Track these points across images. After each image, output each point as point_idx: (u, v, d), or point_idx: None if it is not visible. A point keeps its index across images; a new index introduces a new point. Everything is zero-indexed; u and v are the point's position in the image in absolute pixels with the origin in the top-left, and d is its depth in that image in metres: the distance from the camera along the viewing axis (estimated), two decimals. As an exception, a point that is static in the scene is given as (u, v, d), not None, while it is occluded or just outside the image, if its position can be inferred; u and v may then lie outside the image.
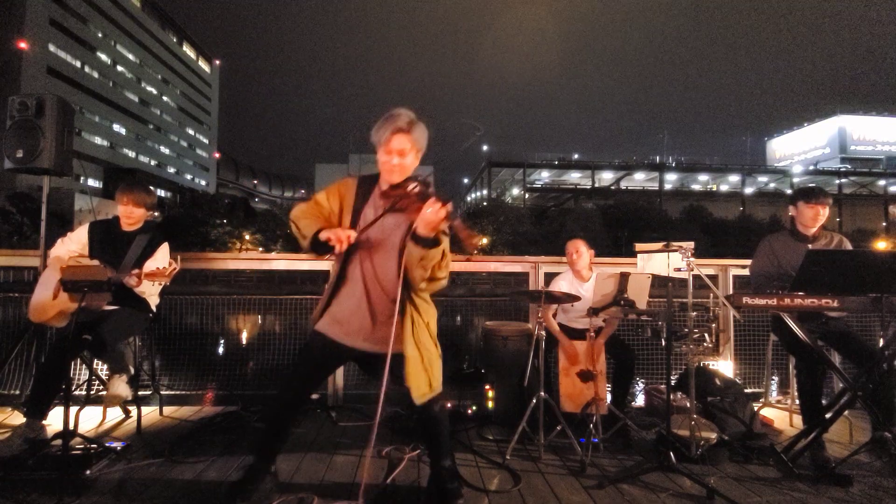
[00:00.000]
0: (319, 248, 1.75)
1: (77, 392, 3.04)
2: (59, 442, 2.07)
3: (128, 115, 52.02)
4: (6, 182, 31.20)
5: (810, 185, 2.83)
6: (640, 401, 3.33)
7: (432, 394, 1.84)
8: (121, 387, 2.62)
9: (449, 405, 2.29)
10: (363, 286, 1.86)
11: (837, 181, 55.41)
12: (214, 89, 73.64)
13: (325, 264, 3.17)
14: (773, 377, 3.29)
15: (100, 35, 47.58)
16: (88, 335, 2.45)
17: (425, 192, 1.67)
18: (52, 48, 41.30)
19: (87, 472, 2.10)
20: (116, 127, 50.24)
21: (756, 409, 2.91)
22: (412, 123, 1.80)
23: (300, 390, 1.97)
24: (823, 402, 2.46)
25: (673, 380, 2.64)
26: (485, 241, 35.34)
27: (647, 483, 2.15)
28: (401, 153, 1.80)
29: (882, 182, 55.95)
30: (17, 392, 3.11)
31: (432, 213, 1.61)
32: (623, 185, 56.86)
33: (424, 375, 1.82)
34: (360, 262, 1.86)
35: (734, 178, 57.01)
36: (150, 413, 2.96)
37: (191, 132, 66.41)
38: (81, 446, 2.26)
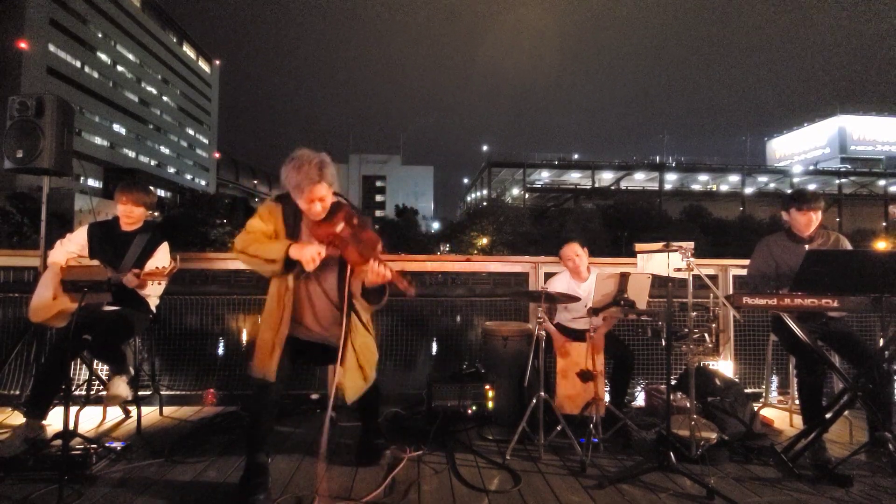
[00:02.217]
0: (290, 266, 1.93)
1: (77, 392, 3.04)
2: (59, 442, 2.07)
3: (128, 115, 51.98)
4: (6, 182, 31.18)
5: (802, 189, 2.84)
6: (640, 401, 3.32)
7: (366, 387, 2.10)
8: (121, 387, 2.62)
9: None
10: (310, 303, 2.09)
11: (837, 181, 55.45)
12: (214, 89, 73.58)
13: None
14: (773, 377, 3.29)
15: (100, 35, 47.55)
16: (88, 335, 2.45)
17: (356, 236, 1.91)
18: (52, 48, 41.27)
19: (87, 472, 2.10)
20: (116, 127, 50.20)
21: (756, 409, 2.91)
22: (322, 168, 1.92)
23: (280, 390, 2.05)
24: (823, 402, 2.46)
25: (673, 380, 2.63)
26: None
27: (647, 483, 2.15)
28: (321, 199, 1.96)
29: (882, 182, 55.98)
30: (17, 392, 3.11)
31: (374, 276, 1.87)
32: (623, 185, 56.87)
33: (359, 374, 2.08)
34: (305, 284, 2.08)
35: (734, 178, 57.03)
36: (150, 413, 2.96)
37: (191, 132, 66.33)
38: (81, 446, 2.26)
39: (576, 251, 3.03)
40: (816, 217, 2.68)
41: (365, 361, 2.10)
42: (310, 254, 1.86)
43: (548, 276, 3.39)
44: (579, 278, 3.06)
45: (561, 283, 3.07)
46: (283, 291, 2.02)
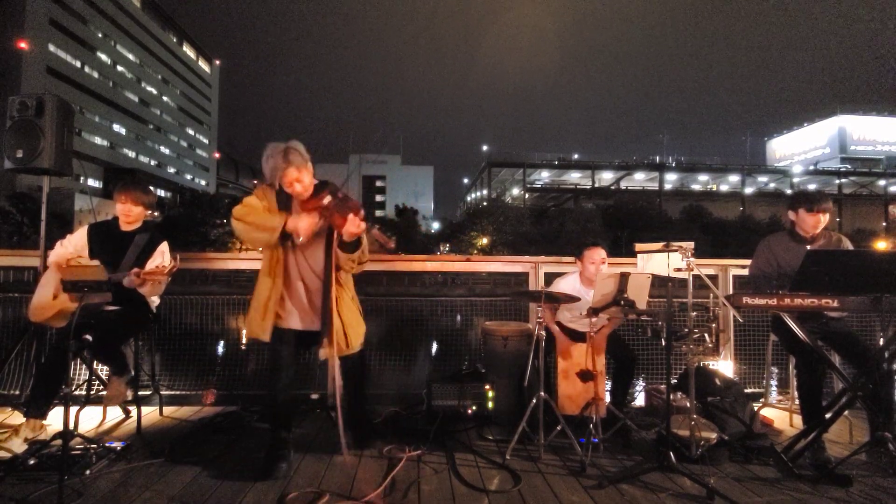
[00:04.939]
0: (284, 237, 2.16)
1: (77, 392, 3.04)
2: (59, 442, 2.07)
3: (128, 115, 51.93)
4: (6, 182, 31.20)
5: (810, 189, 2.82)
6: (640, 401, 3.32)
7: (349, 352, 2.33)
8: (121, 387, 2.62)
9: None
10: (301, 277, 2.29)
11: (837, 181, 55.40)
12: (214, 89, 73.49)
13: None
14: (773, 377, 3.29)
15: (100, 35, 47.52)
16: (89, 335, 2.45)
17: (341, 204, 2.12)
18: (52, 48, 41.24)
19: (87, 472, 2.10)
20: (116, 127, 50.15)
21: (756, 409, 2.91)
22: (289, 154, 2.15)
23: (291, 381, 2.36)
24: (823, 402, 2.46)
25: (673, 380, 2.63)
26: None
27: (647, 483, 2.15)
28: (298, 181, 2.19)
29: (882, 182, 55.92)
30: (17, 392, 3.11)
31: (353, 227, 2.09)
32: (623, 185, 56.81)
33: (343, 338, 2.28)
34: (295, 260, 2.29)
35: (734, 178, 56.98)
36: (150, 413, 2.96)
37: (191, 132, 66.24)
38: (81, 446, 2.26)
39: (602, 256, 2.96)
40: (825, 219, 2.66)
41: (351, 330, 2.31)
42: (304, 224, 2.11)
43: (548, 276, 3.38)
44: (589, 284, 2.96)
45: (568, 286, 3.02)
46: (273, 263, 2.26)
